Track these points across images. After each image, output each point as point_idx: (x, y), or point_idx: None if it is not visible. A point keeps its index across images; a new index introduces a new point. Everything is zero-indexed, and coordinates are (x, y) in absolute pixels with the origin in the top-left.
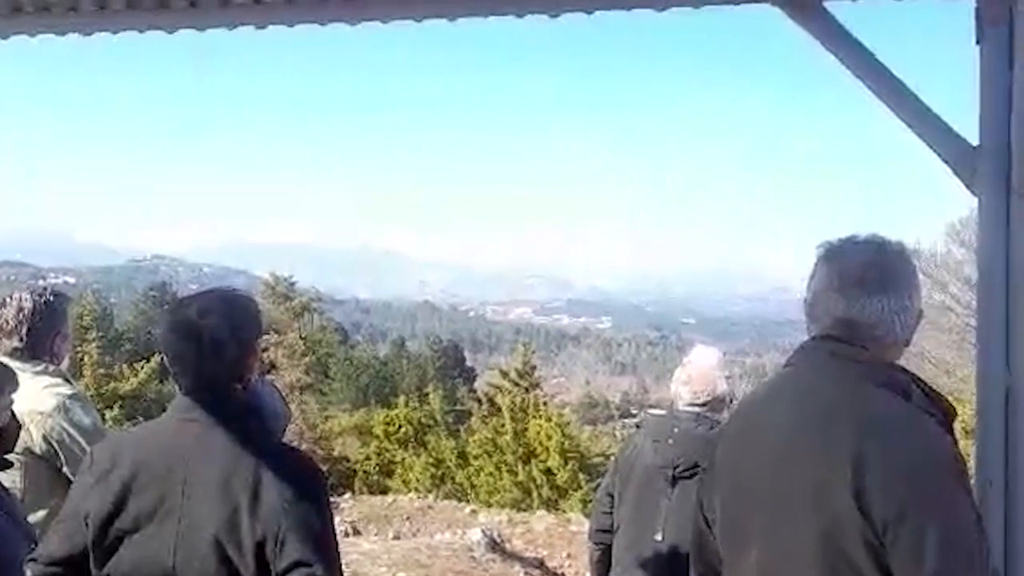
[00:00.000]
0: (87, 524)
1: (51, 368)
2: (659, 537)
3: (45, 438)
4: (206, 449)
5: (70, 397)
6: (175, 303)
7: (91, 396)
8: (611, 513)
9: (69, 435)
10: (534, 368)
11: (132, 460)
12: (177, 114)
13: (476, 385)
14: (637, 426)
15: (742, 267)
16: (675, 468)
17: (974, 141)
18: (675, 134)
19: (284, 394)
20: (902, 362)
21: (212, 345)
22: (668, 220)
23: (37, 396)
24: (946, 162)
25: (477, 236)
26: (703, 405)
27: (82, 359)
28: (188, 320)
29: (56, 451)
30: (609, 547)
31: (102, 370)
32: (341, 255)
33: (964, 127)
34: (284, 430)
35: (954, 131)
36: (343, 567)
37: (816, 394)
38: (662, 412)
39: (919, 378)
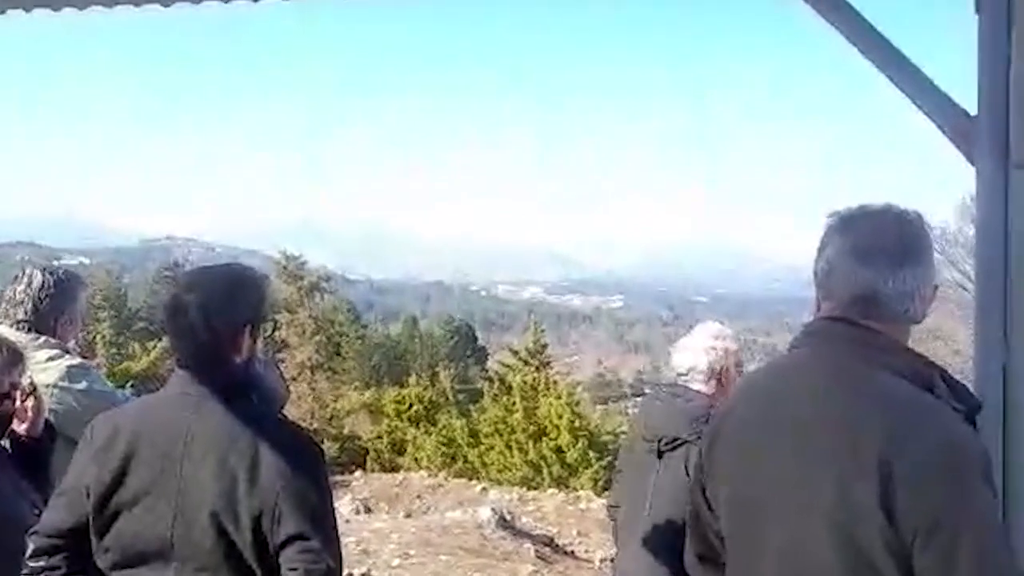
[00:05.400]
0: (87, 496)
1: (51, 341)
2: (646, 512)
3: (52, 410)
4: (204, 423)
5: (70, 367)
6: (174, 279)
7: (104, 375)
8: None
9: (74, 404)
10: (545, 347)
11: (131, 433)
12: (191, 94)
13: (488, 364)
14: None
15: (753, 246)
16: (659, 442)
17: (973, 111)
18: (680, 114)
19: (295, 373)
20: (917, 344)
21: (196, 320)
22: (677, 199)
23: (39, 368)
24: (944, 132)
25: (485, 215)
26: (684, 375)
27: (94, 338)
28: (176, 295)
29: (65, 421)
30: None
31: (115, 349)
32: (355, 235)
33: (963, 97)
34: (280, 411)
35: (952, 100)
36: (355, 544)
37: (837, 387)
38: (660, 388)
39: (944, 370)
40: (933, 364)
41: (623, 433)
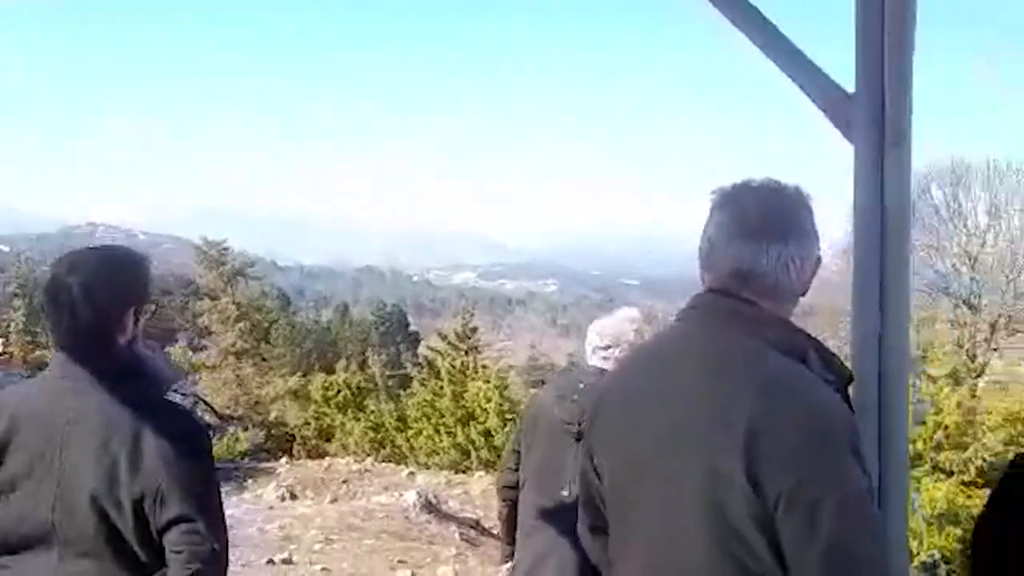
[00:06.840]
0: None
1: None
2: (565, 492)
3: None
4: (85, 406)
5: None
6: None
7: (17, 363)
8: (518, 469)
9: None
10: (474, 331)
11: (10, 418)
12: (115, 78)
13: (420, 350)
14: (541, 382)
15: (682, 229)
16: (580, 424)
17: (850, 88)
18: (592, 94)
19: (219, 359)
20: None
21: (78, 300)
22: (608, 183)
23: None
24: (823, 110)
25: (416, 200)
26: (606, 348)
27: (8, 327)
28: (54, 276)
29: None
30: (516, 503)
31: (29, 337)
32: (284, 221)
33: (842, 74)
34: (166, 392)
35: (830, 78)
36: (278, 530)
37: (708, 357)
38: (569, 368)
39: (817, 341)
40: (809, 336)
41: None
